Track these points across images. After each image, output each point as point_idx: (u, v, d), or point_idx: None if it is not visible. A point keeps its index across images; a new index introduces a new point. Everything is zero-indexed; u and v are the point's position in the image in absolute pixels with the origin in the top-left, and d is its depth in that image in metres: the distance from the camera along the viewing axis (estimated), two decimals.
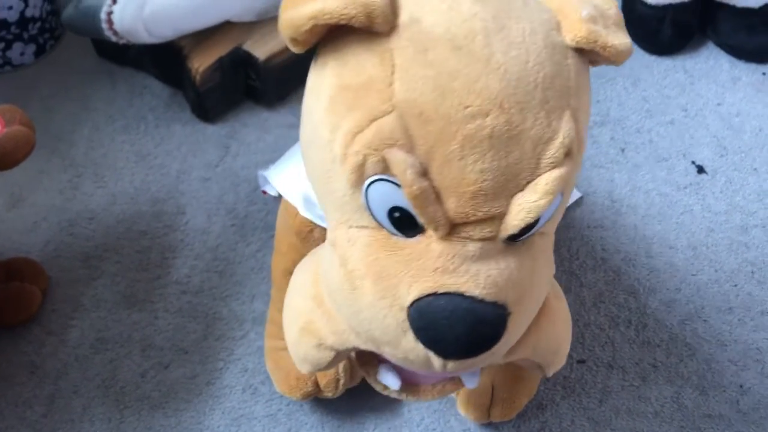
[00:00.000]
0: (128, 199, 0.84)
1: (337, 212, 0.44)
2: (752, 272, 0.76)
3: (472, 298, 0.41)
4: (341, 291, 0.44)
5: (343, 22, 0.39)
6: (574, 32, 0.42)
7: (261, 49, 0.89)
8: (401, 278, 0.42)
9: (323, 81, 0.43)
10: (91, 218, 0.82)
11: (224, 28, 0.89)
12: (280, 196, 0.64)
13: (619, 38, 0.43)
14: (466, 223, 0.41)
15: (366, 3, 0.39)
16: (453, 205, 0.40)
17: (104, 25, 0.83)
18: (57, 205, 0.83)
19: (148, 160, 0.87)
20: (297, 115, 0.90)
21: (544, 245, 0.46)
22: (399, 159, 0.39)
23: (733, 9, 0.95)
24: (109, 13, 0.82)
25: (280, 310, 0.64)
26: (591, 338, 0.72)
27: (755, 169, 0.84)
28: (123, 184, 0.85)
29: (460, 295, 0.41)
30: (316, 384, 0.64)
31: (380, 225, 0.43)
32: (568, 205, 0.79)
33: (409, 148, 0.40)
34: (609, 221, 0.80)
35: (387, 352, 0.45)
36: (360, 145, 0.40)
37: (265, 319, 0.71)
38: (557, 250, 0.77)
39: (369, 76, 0.40)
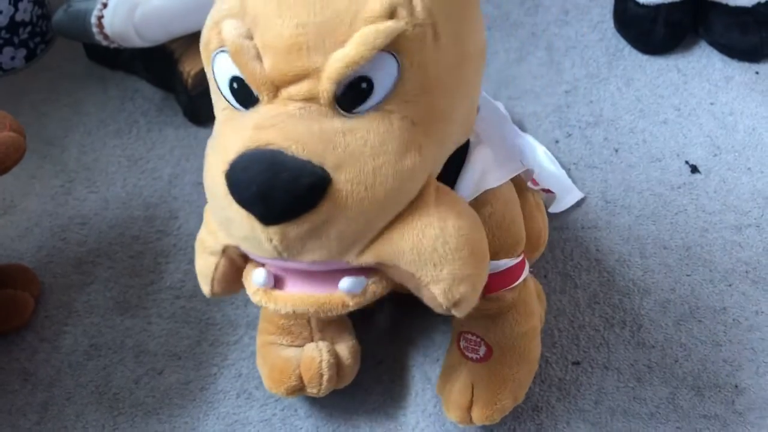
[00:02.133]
0: (120, 204, 0.83)
1: (214, 103, 0.48)
2: (746, 272, 0.76)
3: (279, 151, 0.41)
4: (204, 174, 0.47)
5: None
6: None
7: None
8: (228, 141, 0.43)
9: None
10: (84, 223, 0.82)
11: None
12: None
13: None
14: (289, 84, 0.42)
15: None
16: (270, 62, 0.42)
17: (95, 29, 0.82)
18: (49, 210, 0.83)
19: (140, 164, 0.87)
20: None
21: (401, 128, 0.43)
22: (228, 26, 0.43)
23: (725, 8, 0.95)
24: (100, 17, 0.82)
25: None
26: (586, 340, 0.71)
27: (749, 169, 0.84)
28: (115, 188, 0.85)
29: (268, 148, 0.41)
30: (300, 379, 0.64)
31: (228, 102, 0.45)
32: (563, 209, 0.80)
33: (242, 17, 0.43)
34: (603, 222, 0.80)
35: (234, 237, 0.45)
36: (210, 21, 0.45)
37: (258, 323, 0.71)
38: (551, 250, 0.77)
39: None
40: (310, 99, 0.42)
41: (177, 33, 0.86)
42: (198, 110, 0.90)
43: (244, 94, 0.44)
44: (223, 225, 0.46)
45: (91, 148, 0.89)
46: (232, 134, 0.44)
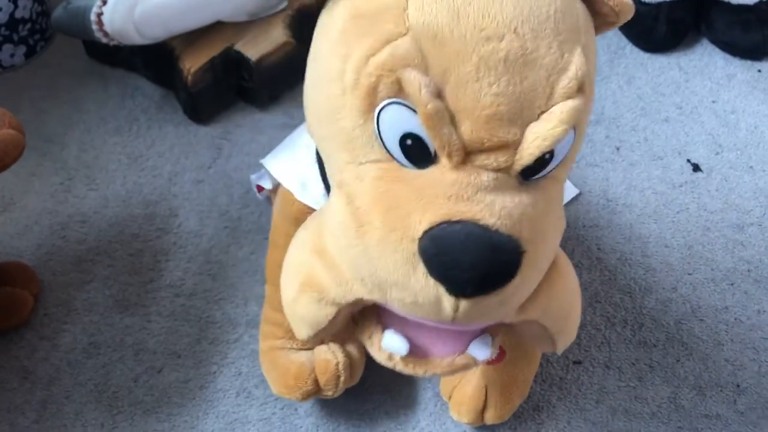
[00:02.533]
0: (120, 202, 0.83)
1: (345, 152, 0.43)
2: (748, 271, 0.75)
3: (486, 227, 0.40)
4: (347, 231, 0.43)
5: None
6: None
7: (253, 49, 0.88)
8: (413, 208, 0.40)
9: (334, 17, 0.44)
10: (83, 221, 0.82)
11: (216, 28, 0.88)
12: (273, 192, 0.63)
13: None
14: (480, 152, 0.41)
15: None
16: (467, 129, 0.40)
17: (94, 26, 0.82)
18: (48, 208, 0.83)
19: (140, 162, 0.87)
20: (290, 115, 0.90)
21: (557, 192, 0.45)
22: (414, 78, 0.39)
23: (727, 6, 0.94)
24: (99, 14, 0.81)
25: (275, 309, 0.63)
26: (587, 339, 0.71)
27: (751, 167, 0.84)
28: (115, 186, 0.85)
29: (475, 224, 0.40)
30: (316, 382, 0.63)
31: (391, 156, 0.42)
32: (565, 201, 0.80)
33: (424, 69, 0.40)
34: (604, 220, 0.80)
35: (395, 298, 0.43)
36: (374, 66, 0.40)
37: (259, 321, 0.71)
38: None
39: (383, 3, 0.41)
40: (500, 170, 0.41)
41: (177, 30, 0.86)
42: (198, 108, 0.90)
43: (418, 152, 0.41)
44: (378, 285, 0.43)
45: (90, 145, 0.89)
46: (417, 199, 0.41)
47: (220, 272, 0.77)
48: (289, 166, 0.61)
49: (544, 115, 0.41)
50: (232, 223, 0.81)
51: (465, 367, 0.48)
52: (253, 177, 0.76)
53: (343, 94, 0.42)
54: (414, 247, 0.40)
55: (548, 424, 0.66)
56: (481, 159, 0.41)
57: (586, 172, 0.84)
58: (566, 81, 0.41)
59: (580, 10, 0.43)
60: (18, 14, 0.94)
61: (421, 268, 0.40)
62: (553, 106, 0.41)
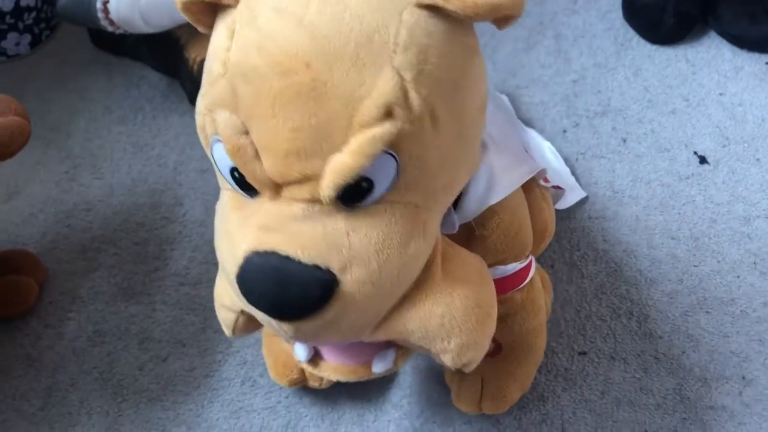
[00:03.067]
0: (125, 191, 0.83)
1: (218, 178, 0.46)
2: (755, 263, 0.75)
3: (287, 258, 0.41)
4: (216, 246, 0.47)
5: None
6: None
7: None
8: (237, 236, 0.43)
9: None
10: (89, 210, 0.82)
11: None
12: None
13: None
14: (289, 184, 0.41)
15: None
16: (269, 164, 0.41)
17: (100, 15, 0.82)
18: (54, 196, 0.83)
19: (145, 151, 0.87)
20: None
21: (404, 216, 0.43)
22: (222, 118, 0.41)
23: None
24: (105, 2, 0.81)
25: None
26: (592, 330, 0.71)
27: (758, 160, 0.84)
28: (120, 175, 0.84)
29: (275, 254, 0.41)
30: (302, 372, 0.65)
31: (231, 186, 0.44)
32: (569, 205, 0.80)
33: (234, 108, 0.41)
34: (610, 212, 0.80)
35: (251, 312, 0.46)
36: (202, 105, 0.43)
37: None
38: (558, 240, 0.77)
39: (216, 44, 0.43)
40: (313, 200, 0.41)
41: (183, 19, 0.84)
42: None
43: (246, 184, 0.43)
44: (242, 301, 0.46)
45: (96, 134, 0.89)
46: (240, 227, 0.43)
47: None
48: None
49: (345, 147, 0.40)
50: None
51: (364, 375, 0.52)
52: None
53: (200, 133, 0.45)
54: (237, 271, 0.43)
55: (553, 414, 0.66)
56: (291, 191, 0.42)
57: (593, 164, 0.84)
58: (365, 110, 0.39)
59: (407, 22, 0.40)
60: (23, 2, 0.94)
61: None
62: (353, 138, 0.40)
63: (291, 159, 0.40)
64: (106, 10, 0.82)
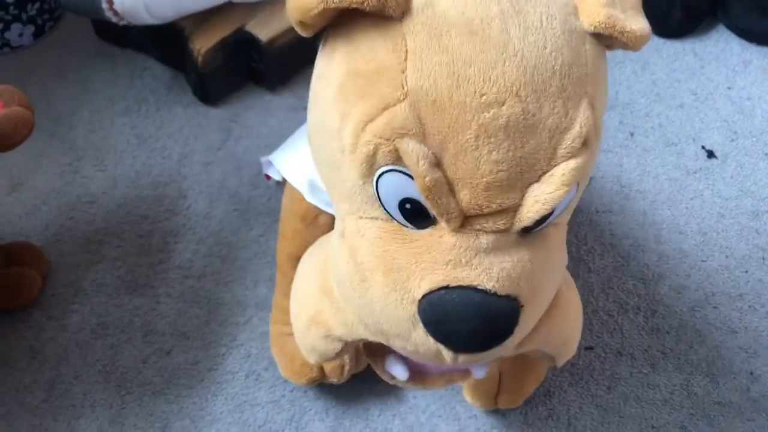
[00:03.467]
0: (129, 183, 0.82)
1: (346, 203, 0.43)
2: (763, 258, 0.75)
3: (484, 292, 0.40)
4: (350, 283, 0.44)
5: (354, 6, 0.38)
6: (592, 17, 0.40)
7: (264, 30, 0.87)
8: (412, 271, 0.41)
9: (332, 67, 0.42)
10: (92, 202, 0.81)
11: (226, 8, 0.88)
12: (284, 181, 0.62)
13: (638, 23, 0.41)
14: (479, 215, 0.40)
15: None
16: (466, 197, 0.39)
17: (104, 6, 0.81)
18: (57, 188, 0.82)
19: (149, 143, 0.86)
20: (300, 97, 0.89)
21: (559, 235, 0.45)
22: (411, 149, 0.38)
23: None
24: None
25: (285, 295, 0.63)
26: (599, 325, 0.71)
27: (766, 154, 0.83)
28: (124, 167, 0.84)
29: (473, 289, 0.40)
30: (321, 370, 0.64)
31: (391, 216, 0.42)
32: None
33: (422, 137, 0.39)
34: (618, 206, 0.79)
35: (396, 345, 0.45)
36: (371, 134, 0.39)
37: (269, 304, 0.70)
38: None
39: (381, 62, 0.39)
40: (499, 231, 0.41)
41: (187, 10, 0.85)
42: (208, 89, 0.89)
43: (416, 215, 0.41)
44: (381, 332, 0.44)
45: (99, 126, 0.88)
46: (416, 262, 0.41)
47: (230, 254, 0.76)
48: (298, 164, 0.59)
49: (545, 177, 0.40)
50: (241, 205, 0.80)
51: (461, 380, 0.52)
52: (263, 159, 0.76)
53: (342, 152, 0.41)
54: (414, 308, 0.41)
55: (559, 409, 0.66)
56: (481, 222, 0.40)
57: (600, 158, 0.83)
58: (569, 141, 0.39)
59: (589, 52, 0.41)
60: None
61: (421, 327, 0.42)
62: (554, 167, 0.40)
63: (493, 191, 0.39)
64: (110, 1, 0.81)
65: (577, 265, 0.74)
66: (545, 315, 0.46)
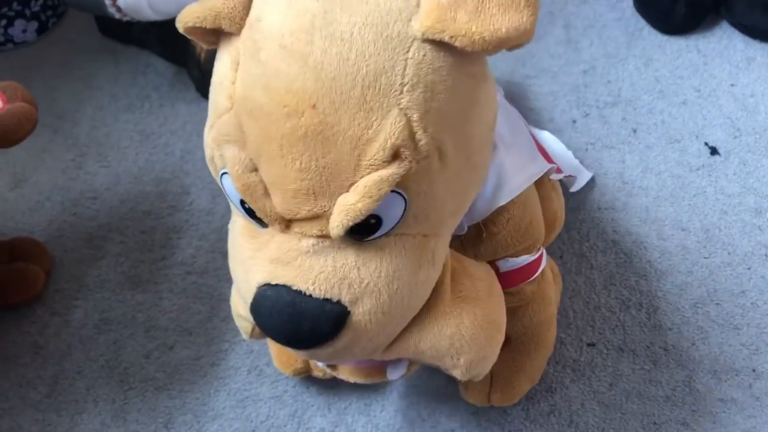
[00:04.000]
0: (132, 179, 0.83)
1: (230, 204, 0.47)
2: (766, 255, 0.74)
3: (298, 292, 0.42)
4: (230, 267, 0.48)
5: (198, 24, 0.41)
6: (420, 21, 0.38)
7: None
8: (251, 265, 0.44)
9: None
10: (95, 198, 0.81)
11: None
12: None
13: (492, 22, 0.38)
14: (298, 220, 0.42)
15: (213, 6, 0.41)
16: (279, 201, 0.41)
17: (107, 1, 0.81)
18: (60, 184, 0.82)
19: (152, 139, 0.86)
20: None
21: (406, 246, 0.43)
22: (230, 155, 0.41)
23: None
24: None
25: None
26: (601, 321, 0.71)
27: None
28: (127, 163, 0.84)
29: (287, 288, 0.42)
30: (306, 362, 0.65)
31: (243, 216, 0.45)
32: (578, 188, 0.79)
33: (243, 144, 0.41)
34: (620, 203, 0.79)
35: None
36: (210, 139, 0.43)
37: None
38: (568, 231, 0.76)
39: (222, 75, 0.42)
40: (322, 235, 0.42)
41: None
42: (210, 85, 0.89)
43: (257, 216, 0.43)
44: None
45: (102, 122, 0.88)
46: (253, 258, 0.44)
47: None
48: None
49: (352, 188, 0.40)
50: None
51: (379, 378, 0.55)
52: None
53: (210, 165, 0.45)
54: (251, 299, 0.44)
55: (561, 406, 0.66)
56: (301, 226, 0.42)
57: (603, 155, 0.83)
58: (373, 152, 0.39)
59: (414, 60, 0.39)
60: None
61: None
62: (361, 178, 0.40)
63: (300, 198, 0.41)
64: None
65: (579, 262, 0.74)
66: (417, 325, 0.47)
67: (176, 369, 0.69)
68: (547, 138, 0.83)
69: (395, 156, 0.39)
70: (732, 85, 0.89)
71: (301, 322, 0.42)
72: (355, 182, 0.40)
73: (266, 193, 0.42)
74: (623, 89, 0.90)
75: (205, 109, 0.90)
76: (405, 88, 0.39)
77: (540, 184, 0.61)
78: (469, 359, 0.48)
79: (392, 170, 0.39)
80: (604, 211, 0.79)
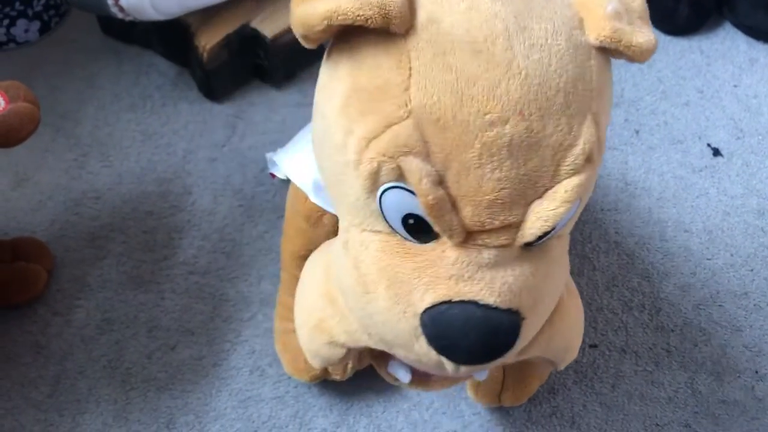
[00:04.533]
0: (134, 179, 0.83)
1: (350, 214, 0.44)
2: None
3: (486, 306, 0.40)
4: (354, 293, 0.44)
5: (358, 22, 0.38)
6: (597, 31, 0.40)
7: (269, 27, 0.87)
8: (415, 285, 0.41)
9: (336, 81, 0.42)
10: (97, 198, 0.81)
11: (232, 5, 0.88)
12: (289, 180, 0.62)
13: (644, 35, 0.41)
14: (482, 231, 0.40)
15: (382, 3, 0.37)
16: (469, 214, 0.40)
17: (110, 1, 0.81)
18: (62, 184, 0.82)
19: (154, 139, 0.86)
20: (305, 94, 0.89)
21: (561, 247, 0.45)
22: (415, 167, 0.38)
23: None
24: None
25: (288, 293, 0.63)
26: (604, 322, 0.70)
27: None
28: (129, 163, 0.84)
29: (475, 303, 0.40)
30: (324, 368, 0.63)
31: (394, 231, 0.42)
32: None
33: (425, 155, 0.39)
34: (623, 204, 0.79)
35: (399, 354, 0.45)
36: (375, 152, 0.39)
37: (273, 300, 0.71)
38: (569, 232, 0.76)
39: (385, 80, 0.39)
40: (503, 246, 0.41)
41: (193, 6, 0.85)
42: (213, 85, 0.89)
43: (420, 230, 0.41)
44: (384, 342, 0.45)
45: (104, 122, 0.88)
46: (419, 276, 0.41)
47: (234, 250, 0.76)
48: (302, 164, 0.59)
49: (548, 194, 0.40)
50: (246, 202, 0.80)
51: (463, 381, 0.54)
52: (268, 155, 0.76)
53: (346, 166, 0.41)
54: (417, 322, 0.41)
55: (563, 407, 0.66)
56: (483, 238, 0.41)
57: (605, 156, 0.83)
58: (572, 158, 0.39)
59: (595, 67, 0.40)
60: None
61: (424, 340, 0.42)
62: (558, 183, 0.40)
63: (495, 208, 0.39)
64: None
65: (581, 263, 0.74)
66: (547, 323, 0.46)
67: (178, 369, 0.69)
68: None
69: (588, 160, 0.40)
70: (735, 86, 0.89)
71: (497, 336, 0.41)
72: (550, 188, 0.40)
73: (453, 207, 0.39)
74: (626, 90, 0.90)
75: (208, 110, 0.90)
76: (594, 94, 0.40)
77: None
78: (575, 352, 0.51)
79: (587, 174, 0.40)
80: (606, 213, 0.79)
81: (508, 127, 0.38)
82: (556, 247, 0.44)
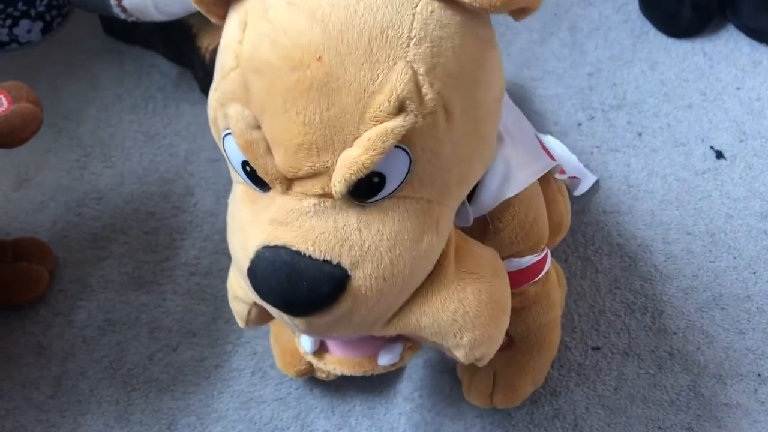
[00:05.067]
0: (136, 180, 0.83)
1: (230, 172, 0.46)
2: None
3: (297, 253, 0.41)
4: (228, 240, 0.47)
5: None
6: None
7: None
8: (248, 230, 0.43)
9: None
10: (99, 198, 0.81)
11: None
12: None
13: None
14: (300, 179, 0.41)
15: None
16: (280, 158, 0.41)
17: (113, 2, 0.81)
18: (64, 184, 0.82)
19: (156, 140, 0.86)
20: None
21: (408, 210, 0.43)
22: (233, 112, 0.41)
23: None
24: None
25: None
26: (606, 325, 0.70)
27: None
28: (131, 164, 0.84)
29: (286, 248, 0.41)
30: (310, 363, 0.64)
31: (244, 180, 0.44)
32: (582, 192, 0.79)
33: (246, 102, 0.41)
34: (625, 206, 0.79)
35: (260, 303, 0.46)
36: (214, 100, 0.43)
37: None
38: (573, 234, 0.76)
39: (229, 36, 0.42)
40: (324, 195, 0.41)
41: (195, 7, 0.85)
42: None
43: (258, 178, 0.43)
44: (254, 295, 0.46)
45: (107, 122, 0.88)
46: (251, 222, 0.43)
47: None
48: None
49: (356, 141, 0.39)
50: None
51: (370, 369, 0.52)
52: None
53: (212, 127, 0.44)
54: (248, 265, 0.43)
55: (565, 409, 0.66)
56: (302, 185, 0.41)
57: (608, 158, 0.83)
58: (377, 104, 0.39)
59: (420, 14, 0.40)
60: None
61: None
62: (364, 132, 0.39)
63: (302, 153, 0.40)
64: None
65: (584, 266, 0.74)
66: (419, 298, 0.45)
67: (180, 370, 0.69)
68: (550, 142, 0.83)
69: (400, 109, 0.39)
70: (738, 88, 0.89)
71: (299, 282, 0.41)
72: (359, 136, 0.39)
73: (268, 151, 0.41)
74: (629, 92, 0.90)
75: None
76: (412, 42, 0.40)
77: (546, 185, 0.60)
78: (472, 338, 0.46)
79: (397, 123, 0.39)
80: (609, 215, 0.78)
81: (308, 72, 0.39)
82: (399, 210, 0.42)
